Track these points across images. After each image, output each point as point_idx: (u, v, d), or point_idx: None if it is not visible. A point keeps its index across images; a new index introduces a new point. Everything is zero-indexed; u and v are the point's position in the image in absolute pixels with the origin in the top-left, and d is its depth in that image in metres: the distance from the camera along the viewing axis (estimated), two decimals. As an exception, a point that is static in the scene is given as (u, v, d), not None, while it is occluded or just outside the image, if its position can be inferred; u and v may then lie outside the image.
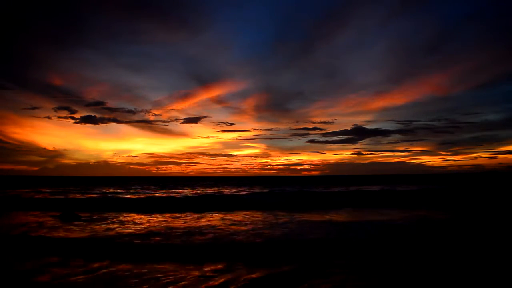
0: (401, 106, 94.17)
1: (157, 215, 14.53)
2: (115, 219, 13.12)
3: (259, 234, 9.62)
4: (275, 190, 31.84)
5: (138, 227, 11.23)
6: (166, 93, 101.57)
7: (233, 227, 10.95)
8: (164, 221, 12.77)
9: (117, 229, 10.70)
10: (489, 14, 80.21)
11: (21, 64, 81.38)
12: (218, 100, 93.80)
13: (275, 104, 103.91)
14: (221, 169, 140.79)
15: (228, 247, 8.03)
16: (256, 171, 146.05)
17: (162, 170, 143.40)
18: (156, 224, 11.75)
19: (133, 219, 13.44)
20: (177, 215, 14.64)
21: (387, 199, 21.32)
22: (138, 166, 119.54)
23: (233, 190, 35.05)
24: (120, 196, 27.54)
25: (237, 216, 13.87)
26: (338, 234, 9.69)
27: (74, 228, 11.00)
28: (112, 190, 35.69)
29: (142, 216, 14.23)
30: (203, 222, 12.30)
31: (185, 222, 12.25)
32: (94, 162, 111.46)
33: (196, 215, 14.43)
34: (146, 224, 11.94)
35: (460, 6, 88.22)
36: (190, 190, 36.04)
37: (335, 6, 79.72)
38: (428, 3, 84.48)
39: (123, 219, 13.12)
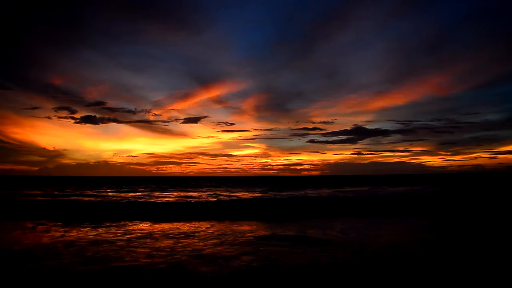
0: (401, 106, 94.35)
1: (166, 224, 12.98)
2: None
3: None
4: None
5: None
6: (166, 93, 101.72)
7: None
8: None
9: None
10: (489, 14, 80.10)
11: (21, 64, 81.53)
12: (218, 100, 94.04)
13: (275, 104, 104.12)
14: (221, 169, 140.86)
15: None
16: (256, 171, 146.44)
17: (162, 170, 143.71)
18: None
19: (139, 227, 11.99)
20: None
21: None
22: (138, 166, 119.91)
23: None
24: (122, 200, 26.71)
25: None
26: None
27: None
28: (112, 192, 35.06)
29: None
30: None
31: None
32: (94, 162, 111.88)
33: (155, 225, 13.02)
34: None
35: (460, 6, 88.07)
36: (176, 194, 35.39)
37: (335, 7, 79.65)
38: (427, 3, 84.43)
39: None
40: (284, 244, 8.77)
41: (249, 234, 10.42)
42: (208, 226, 12.28)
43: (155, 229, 11.56)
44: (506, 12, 76.57)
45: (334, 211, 17.27)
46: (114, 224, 12.52)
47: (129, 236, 10.17)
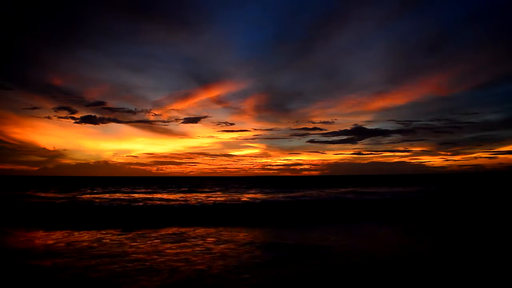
0: (401, 106, 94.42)
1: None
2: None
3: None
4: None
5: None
6: (166, 93, 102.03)
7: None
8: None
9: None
10: (489, 15, 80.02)
11: (21, 64, 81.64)
12: (218, 100, 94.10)
13: (275, 104, 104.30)
14: (221, 169, 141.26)
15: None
16: (256, 171, 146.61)
17: (162, 170, 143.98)
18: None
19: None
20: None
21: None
22: (138, 166, 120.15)
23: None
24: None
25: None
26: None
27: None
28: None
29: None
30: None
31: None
32: (94, 162, 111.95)
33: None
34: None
35: (460, 7, 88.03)
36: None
37: (335, 7, 79.65)
38: (427, 3, 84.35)
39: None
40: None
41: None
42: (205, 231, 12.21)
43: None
44: (506, 13, 76.49)
45: (337, 215, 17.19)
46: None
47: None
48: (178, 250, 8.84)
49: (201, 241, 10.15)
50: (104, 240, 10.32)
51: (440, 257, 8.15)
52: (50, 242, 10.14)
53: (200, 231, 12.19)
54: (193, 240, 10.40)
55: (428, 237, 11.26)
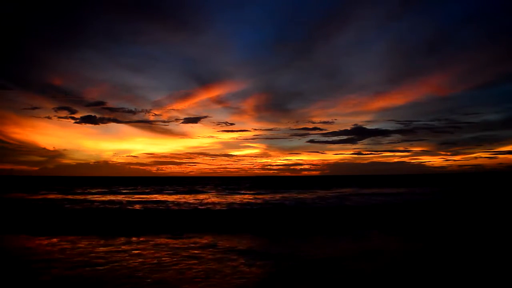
0: (401, 106, 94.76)
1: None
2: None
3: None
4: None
5: None
6: (166, 93, 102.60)
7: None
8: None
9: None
10: (489, 15, 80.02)
11: (21, 64, 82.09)
12: (218, 100, 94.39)
13: (275, 104, 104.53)
14: (221, 169, 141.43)
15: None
16: (256, 171, 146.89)
17: (162, 170, 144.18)
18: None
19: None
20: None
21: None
22: (138, 166, 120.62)
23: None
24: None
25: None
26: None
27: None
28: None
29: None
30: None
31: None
32: (94, 162, 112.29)
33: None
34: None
35: (459, 7, 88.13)
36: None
37: (335, 7, 79.81)
38: (427, 4, 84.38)
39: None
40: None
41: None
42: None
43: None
44: (505, 13, 76.42)
45: (340, 220, 16.38)
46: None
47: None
48: (179, 263, 8.25)
49: (203, 251, 9.60)
50: (93, 248, 10.16)
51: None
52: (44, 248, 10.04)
53: (201, 238, 11.68)
54: (193, 249, 9.89)
55: (447, 247, 10.74)
